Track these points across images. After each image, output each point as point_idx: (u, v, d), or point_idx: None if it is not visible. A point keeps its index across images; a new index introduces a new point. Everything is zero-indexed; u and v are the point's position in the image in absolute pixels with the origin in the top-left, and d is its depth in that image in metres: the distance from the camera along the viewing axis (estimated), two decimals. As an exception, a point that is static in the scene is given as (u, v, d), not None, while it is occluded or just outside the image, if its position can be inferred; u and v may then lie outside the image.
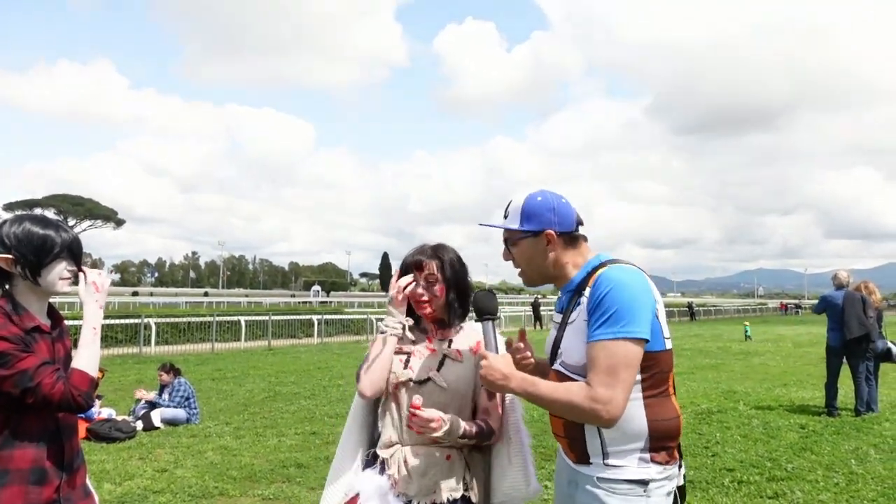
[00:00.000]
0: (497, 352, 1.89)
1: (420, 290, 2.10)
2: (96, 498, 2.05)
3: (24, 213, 1.97)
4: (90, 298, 1.91)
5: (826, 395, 8.04)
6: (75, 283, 1.98)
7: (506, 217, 1.92)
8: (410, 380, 2.07)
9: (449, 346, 2.15)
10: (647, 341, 1.69)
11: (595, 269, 1.80)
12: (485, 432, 2.04)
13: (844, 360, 8.06)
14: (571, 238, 1.87)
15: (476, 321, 2.08)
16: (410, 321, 2.13)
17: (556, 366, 1.87)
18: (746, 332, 23.52)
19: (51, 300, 1.98)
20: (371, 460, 2.13)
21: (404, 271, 2.14)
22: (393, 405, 2.10)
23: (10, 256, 1.81)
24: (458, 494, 2.05)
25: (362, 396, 2.10)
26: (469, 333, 2.19)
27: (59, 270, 1.88)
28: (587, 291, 1.77)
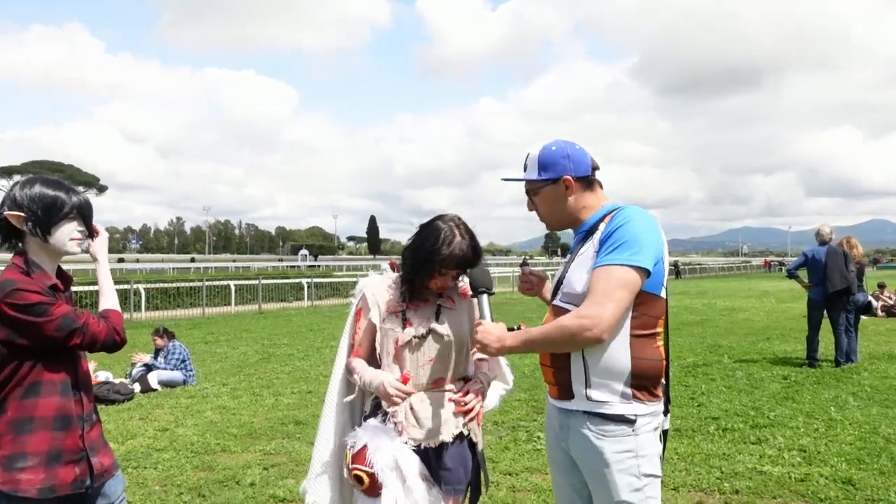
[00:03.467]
0: (491, 321, 1.99)
1: (450, 284, 2.20)
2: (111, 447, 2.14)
3: (36, 175, 2.00)
4: (104, 249, 2.08)
5: (807, 347, 8.28)
6: (84, 246, 2.02)
7: (525, 170, 2.01)
8: (413, 337, 2.14)
9: (441, 297, 2.23)
10: (648, 273, 1.78)
11: (611, 212, 1.91)
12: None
13: (826, 314, 8.29)
14: (588, 182, 1.97)
15: (472, 296, 2.16)
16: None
17: (556, 301, 1.96)
18: None
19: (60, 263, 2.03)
20: (371, 413, 2.21)
21: (443, 263, 2.10)
22: (395, 367, 2.17)
23: (21, 214, 1.86)
24: (457, 432, 2.19)
25: None
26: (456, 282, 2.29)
27: (69, 230, 1.93)
28: (601, 227, 1.88)
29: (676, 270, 45.75)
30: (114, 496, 2.03)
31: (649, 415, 1.84)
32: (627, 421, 1.81)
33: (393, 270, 2.30)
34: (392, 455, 2.07)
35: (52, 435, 1.85)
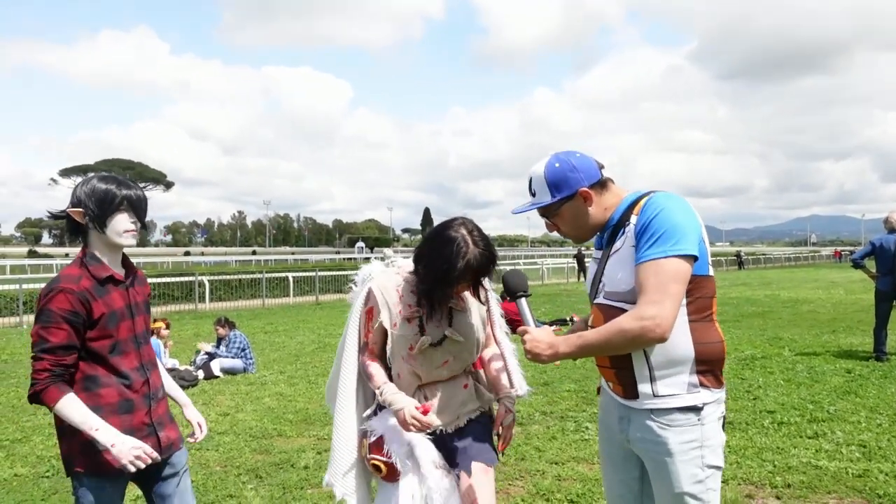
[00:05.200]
0: (534, 326, 1.89)
1: (466, 289, 2.19)
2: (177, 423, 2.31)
3: (93, 174, 2.17)
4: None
5: (875, 340, 7.94)
6: (138, 236, 2.15)
7: (534, 194, 1.93)
8: (430, 344, 2.15)
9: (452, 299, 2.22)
10: (696, 258, 1.73)
11: (637, 200, 1.85)
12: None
13: (895, 305, 7.92)
14: (601, 184, 1.91)
15: (511, 300, 2.08)
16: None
17: (599, 299, 1.90)
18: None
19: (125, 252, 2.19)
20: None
21: (460, 277, 2.06)
22: (405, 367, 2.19)
23: (80, 210, 2.04)
24: (475, 415, 2.25)
25: None
26: None
27: (123, 222, 2.05)
28: (633, 219, 1.82)
29: (739, 261, 44.28)
30: (178, 466, 2.24)
31: (715, 402, 1.79)
32: (694, 409, 1.76)
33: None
34: (408, 444, 2.12)
35: (120, 418, 2.04)
